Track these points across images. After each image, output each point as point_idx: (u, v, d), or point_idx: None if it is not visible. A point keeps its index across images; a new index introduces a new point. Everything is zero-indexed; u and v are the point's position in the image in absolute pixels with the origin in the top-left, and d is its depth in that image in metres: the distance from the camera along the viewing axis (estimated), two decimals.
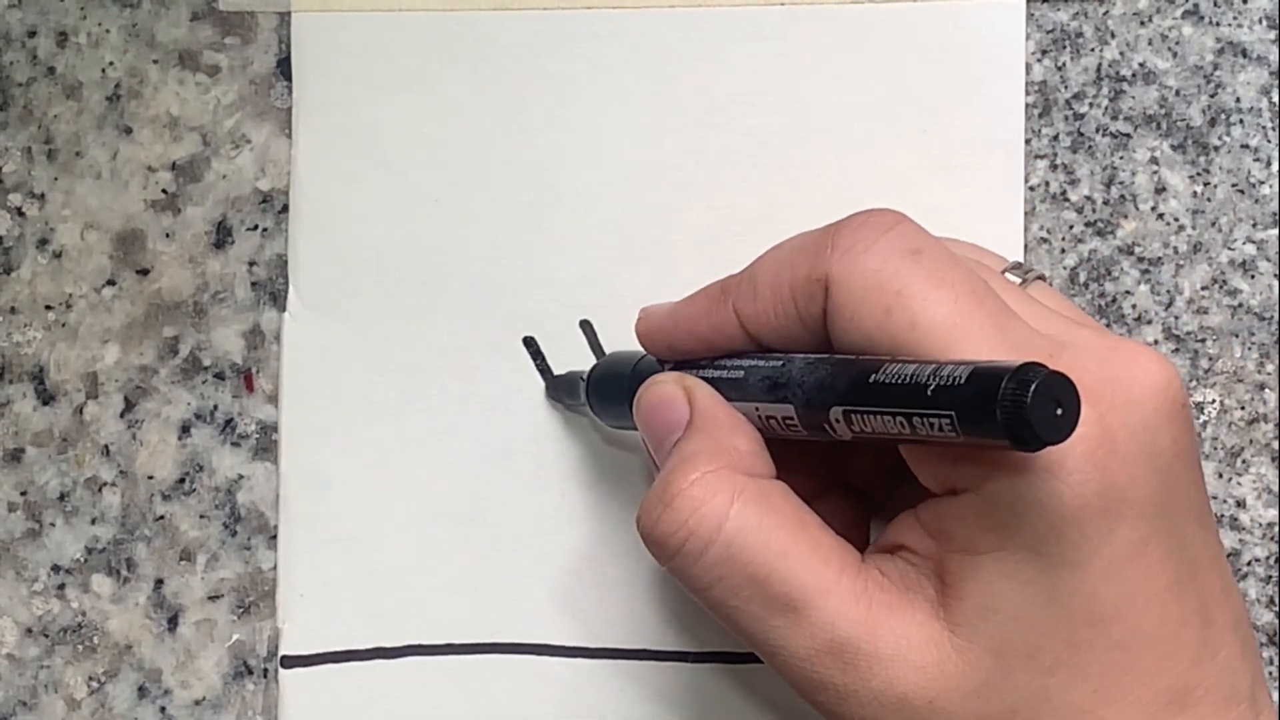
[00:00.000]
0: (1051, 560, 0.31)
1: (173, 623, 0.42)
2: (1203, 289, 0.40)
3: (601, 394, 0.39)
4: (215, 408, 0.42)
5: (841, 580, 0.32)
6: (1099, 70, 0.41)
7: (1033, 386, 0.27)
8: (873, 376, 0.31)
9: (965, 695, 0.32)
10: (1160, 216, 0.40)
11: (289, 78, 0.42)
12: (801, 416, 0.33)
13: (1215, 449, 0.40)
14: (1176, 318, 0.40)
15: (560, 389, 0.41)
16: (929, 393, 0.29)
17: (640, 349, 0.38)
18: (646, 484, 0.41)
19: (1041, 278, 0.36)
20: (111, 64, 0.43)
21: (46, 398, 0.43)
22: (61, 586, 0.43)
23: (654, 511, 0.33)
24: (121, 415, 0.43)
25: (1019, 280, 0.36)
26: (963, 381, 0.29)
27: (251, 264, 0.43)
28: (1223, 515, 0.40)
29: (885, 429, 0.30)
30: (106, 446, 0.43)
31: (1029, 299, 0.34)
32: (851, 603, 0.32)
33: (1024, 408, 0.27)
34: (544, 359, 0.42)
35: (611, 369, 0.38)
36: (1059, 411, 0.28)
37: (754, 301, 0.35)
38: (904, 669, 0.32)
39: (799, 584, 0.32)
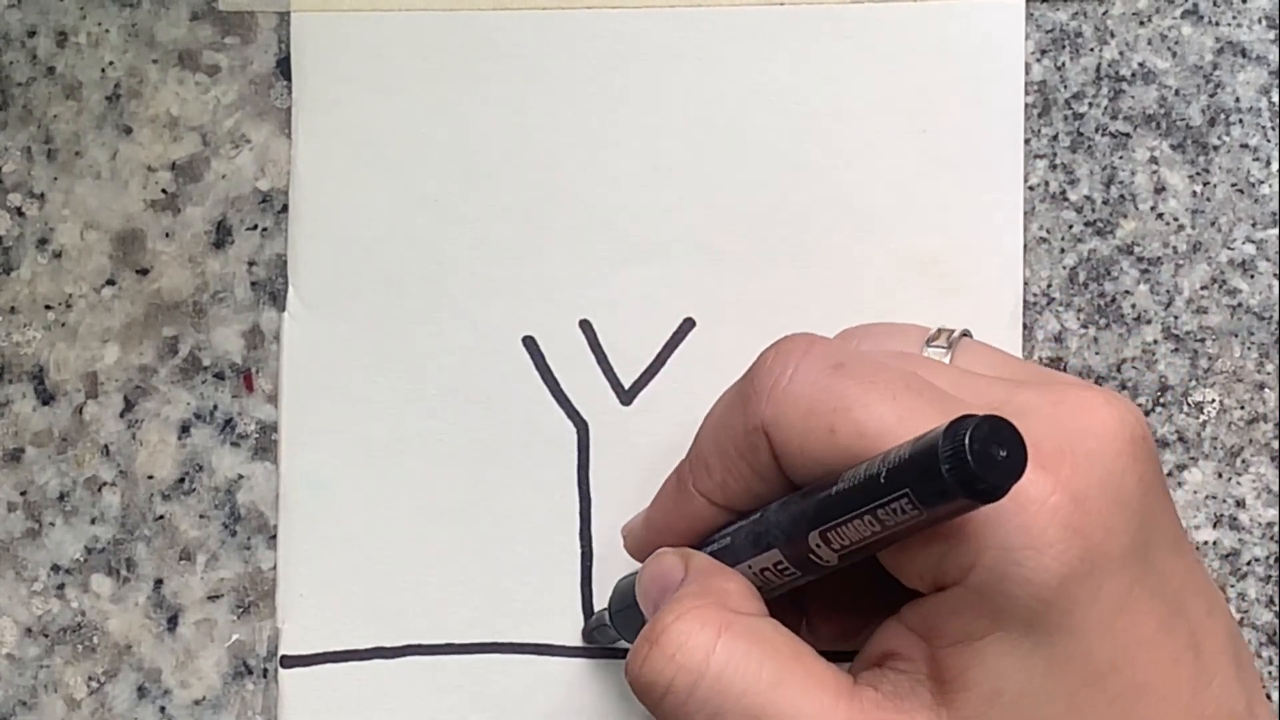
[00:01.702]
0: (1046, 630, 0.31)
1: (172, 623, 0.42)
2: (1202, 289, 0.40)
3: (623, 619, 0.39)
4: (215, 407, 0.42)
5: (838, 703, 0.32)
6: (1098, 70, 0.41)
7: (967, 435, 0.28)
8: (834, 488, 0.31)
9: None
10: (1160, 216, 0.40)
11: (289, 78, 0.42)
12: (788, 556, 0.33)
13: (1215, 449, 0.40)
14: (1176, 317, 0.40)
15: (595, 632, 0.41)
16: (882, 480, 0.29)
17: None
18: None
19: (967, 333, 0.36)
20: (111, 64, 0.43)
21: (46, 398, 0.43)
22: (61, 586, 0.42)
23: (641, 651, 0.33)
24: (121, 415, 0.43)
25: (945, 347, 0.36)
26: (906, 457, 0.29)
27: (251, 264, 0.43)
28: (1222, 515, 0.40)
29: (860, 535, 0.31)
30: (106, 446, 0.43)
31: (960, 373, 0.34)
32: None
33: (965, 459, 0.28)
34: (544, 359, 0.42)
35: (624, 595, 0.38)
36: (1003, 454, 0.28)
37: (709, 476, 0.35)
38: None
39: (794, 712, 0.32)
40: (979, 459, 0.28)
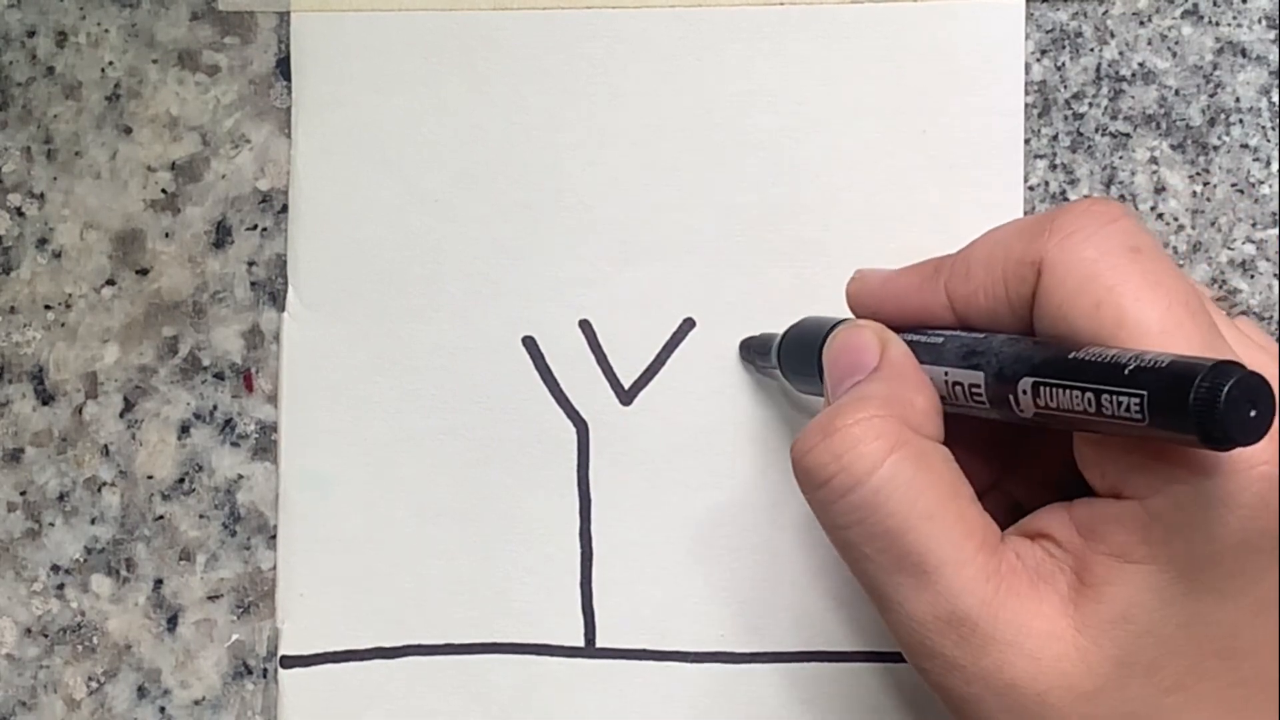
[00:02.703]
0: (1200, 586, 0.30)
1: (172, 623, 0.42)
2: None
3: (793, 355, 0.38)
4: (215, 407, 0.42)
5: (978, 556, 0.32)
6: (1098, 70, 0.41)
7: (1230, 381, 0.27)
8: (1072, 354, 0.30)
9: (1077, 696, 0.31)
10: (1160, 216, 0.40)
11: (288, 77, 0.42)
12: (989, 385, 0.32)
13: None
14: None
15: (753, 349, 0.40)
16: (1126, 372, 0.29)
17: (837, 316, 0.37)
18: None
19: (1245, 313, 0.36)
20: (111, 64, 0.43)
21: (46, 398, 0.43)
22: (61, 586, 0.42)
23: (811, 439, 0.33)
24: (121, 415, 0.43)
25: (1224, 310, 0.35)
26: (1163, 365, 0.28)
27: (251, 264, 0.43)
28: None
29: (1071, 406, 0.30)
30: (106, 446, 0.43)
31: (1235, 328, 0.33)
32: (982, 580, 0.32)
33: (1218, 400, 0.27)
34: (544, 359, 0.42)
35: (806, 331, 0.38)
36: (1253, 413, 0.27)
37: (966, 282, 0.34)
38: (1018, 656, 0.31)
39: (935, 549, 0.32)
40: (1229, 408, 0.27)
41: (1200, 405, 0.27)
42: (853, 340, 0.35)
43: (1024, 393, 0.31)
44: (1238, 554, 0.30)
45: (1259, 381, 0.27)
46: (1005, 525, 0.34)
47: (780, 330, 0.39)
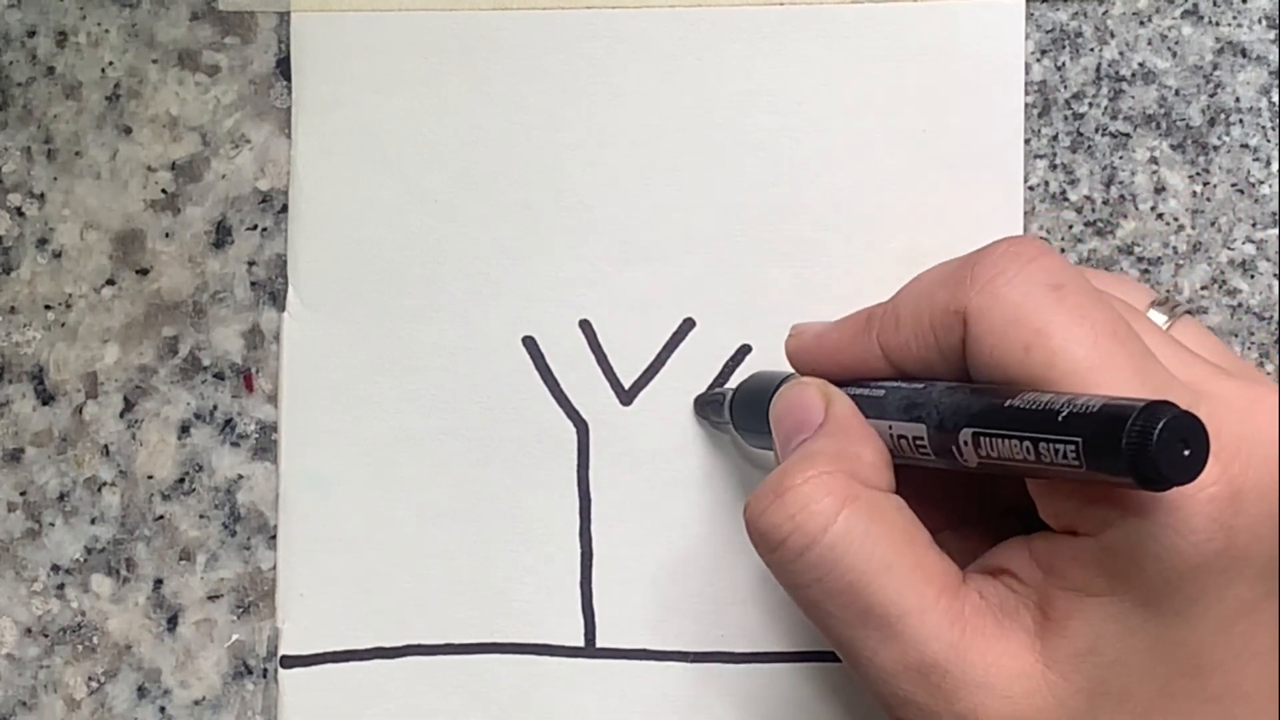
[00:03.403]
0: (1162, 611, 0.30)
1: (172, 623, 0.42)
2: (1202, 289, 0.40)
3: (744, 411, 0.39)
4: (215, 408, 0.42)
5: (940, 600, 0.32)
6: (1098, 70, 0.41)
7: (1160, 423, 0.27)
8: (1008, 401, 0.30)
9: None
10: (1160, 216, 0.40)
11: (288, 77, 0.42)
12: (932, 438, 0.33)
13: None
14: None
15: (706, 406, 0.41)
16: (1060, 418, 0.29)
17: (785, 369, 0.38)
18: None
19: (1190, 313, 0.36)
20: (111, 64, 0.43)
21: (46, 398, 0.43)
22: (61, 586, 0.42)
23: (763, 501, 0.33)
24: (121, 415, 0.43)
25: (1165, 318, 0.35)
26: (1094, 410, 0.28)
27: (251, 264, 0.43)
28: None
29: (1011, 455, 0.30)
30: (106, 446, 0.43)
31: (1172, 342, 0.33)
32: (947, 624, 0.32)
33: (1149, 443, 0.27)
34: (544, 359, 0.42)
35: (756, 387, 0.38)
36: (1186, 453, 0.27)
37: (896, 334, 0.34)
38: (991, 697, 0.31)
39: (896, 599, 0.32)
40: (1161, 450, 0.27)
41: (1133, 449, 0.27)
42: (797, 398, 0.35)
43: (965, 444, 0.32)
44: (1196, 576, 0.30)
45: (1189, 420, 0.27)
46: (966, 561, 0.34)
47: (732, 387, 0.40)
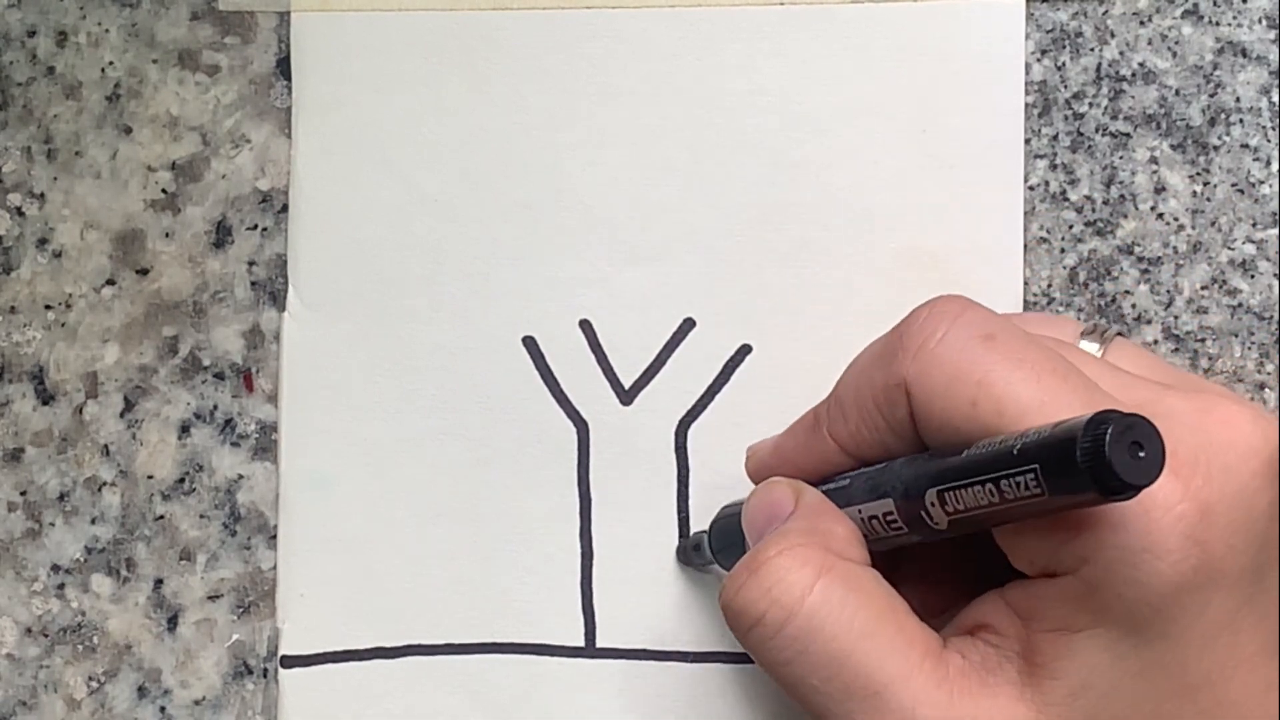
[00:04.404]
0: (1147, 635, 0.30)
1: (172, 623, 0.42)
2: (1202, 289, 0.40)
3: (722, 541, 0.39)
4: (215, 407, 0.42)
5: (924, 664, 0.32)
6: (1099, 70, 0.41)
7: (1109, 429, 0.27)
8: (964, 453, 0.31)
9: None
10: (1160, 216, 0.40)
11: (289, 77, 0.42)
12: (900, 509, 0.33)
13: None
14: (1176, 317, 0.40)
15: (687, 550, 0.41)
16: (1015, 452, 0.29)
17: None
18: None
19: (1121, 334, 0.36)
20: (111, 64, 0.43)
21: (46, 397, 0.43)
22: (61, 586, 0.42)
23: (738, 579, 0.33)
24: (121, 415, 0.43)
25: (1097, 345, 0.35)
26: (1044, 436, 0.29)
27: (251, 264, 0.43)
28: None
29: (977, 503, 0.30)
30: (106, 446, 0.43)
31: (1110, 368, 0.33)
32: (933, 687, 0.32)
33: (1103, 450, 0.27)
34: (544, 359, 0.42)
35: (731, 516, 0.38)
36: (1141, 454, 0.28)
37: (845, 424, 0.35)
38: None
39: (881, 666, 0.32)
40: (1116, 455, 0.27)
41: (1088, 461, 0.27)
42: (766, 495, 0.36)
43: (932, 505, 0.32)
44: (1177, 596, 0.30)
45: (1137, 420, 0.28)
46: (939, 626, 0.34)
47: (704, 528, 0.40)
